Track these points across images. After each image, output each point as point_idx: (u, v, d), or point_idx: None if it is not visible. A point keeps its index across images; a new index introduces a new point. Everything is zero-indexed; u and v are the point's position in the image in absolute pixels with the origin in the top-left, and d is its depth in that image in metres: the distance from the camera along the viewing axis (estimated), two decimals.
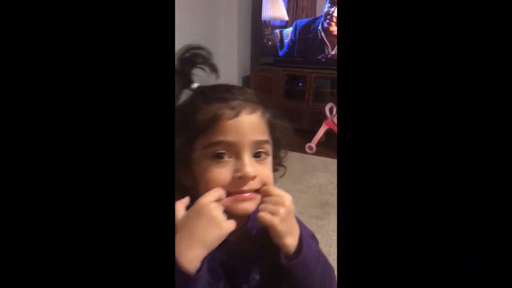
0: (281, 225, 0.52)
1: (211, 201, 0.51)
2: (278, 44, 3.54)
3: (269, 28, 3.55)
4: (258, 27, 3.65)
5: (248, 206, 0.55)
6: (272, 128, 0.59)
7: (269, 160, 0.58)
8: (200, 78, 0.62)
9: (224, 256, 0.59)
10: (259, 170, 0.55)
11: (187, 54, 0.60)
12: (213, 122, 0.53)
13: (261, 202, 0.55)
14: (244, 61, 3.82)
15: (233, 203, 0.54)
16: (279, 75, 3.42)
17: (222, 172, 0.54)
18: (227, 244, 0.53)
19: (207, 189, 0.53)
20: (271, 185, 0.58)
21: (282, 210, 0.53)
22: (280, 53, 3.56)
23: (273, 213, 0.53)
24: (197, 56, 0.60)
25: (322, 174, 2.42)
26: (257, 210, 0.55)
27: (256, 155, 0.56)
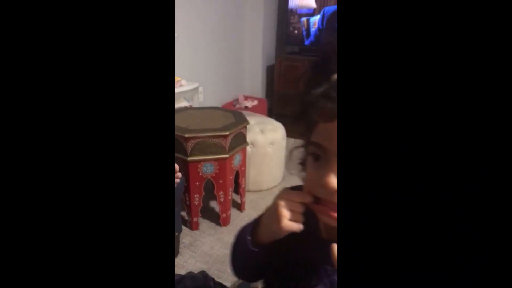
0: None
1: (285, 198, 0.53)
2: (304, 32, 3.50)
3: (296, 16, 3.50)
4: (284, 15, 3.61)
5: (330, 222, 0.52)
6: None
7: None
8: None
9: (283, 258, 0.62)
10: None
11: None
12: (315, 122, 0.51)
13: None
14: (269, 50, 3.80)
15: (318, 212, 0.53)
16: (304, 65, 3.38)
17: (314, 174, 0.52)
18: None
19: (305, 185, 0.55)
20: None
21: None
22: (306, 42, 3.52)
23: None
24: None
25: None
26: None
27: None
